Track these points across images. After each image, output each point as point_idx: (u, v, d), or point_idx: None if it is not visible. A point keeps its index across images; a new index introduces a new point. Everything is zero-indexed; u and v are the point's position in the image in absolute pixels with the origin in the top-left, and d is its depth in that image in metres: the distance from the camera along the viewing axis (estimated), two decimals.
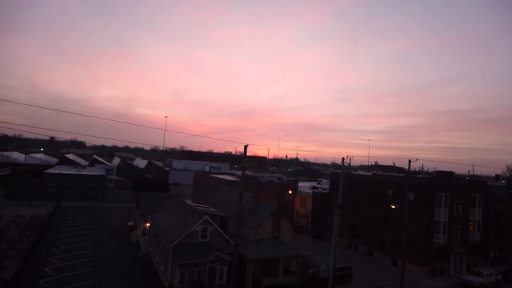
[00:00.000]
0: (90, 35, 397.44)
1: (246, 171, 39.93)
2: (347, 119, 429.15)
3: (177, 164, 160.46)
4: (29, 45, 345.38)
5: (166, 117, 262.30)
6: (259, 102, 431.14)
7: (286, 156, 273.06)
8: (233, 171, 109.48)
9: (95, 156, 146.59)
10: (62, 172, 78.71)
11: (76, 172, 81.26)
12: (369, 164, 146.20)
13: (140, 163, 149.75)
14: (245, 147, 28.16)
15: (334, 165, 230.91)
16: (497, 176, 74.92)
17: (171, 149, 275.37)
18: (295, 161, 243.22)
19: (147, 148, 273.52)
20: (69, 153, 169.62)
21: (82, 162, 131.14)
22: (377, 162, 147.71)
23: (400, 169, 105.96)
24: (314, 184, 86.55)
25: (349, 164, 47.83)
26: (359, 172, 77.12)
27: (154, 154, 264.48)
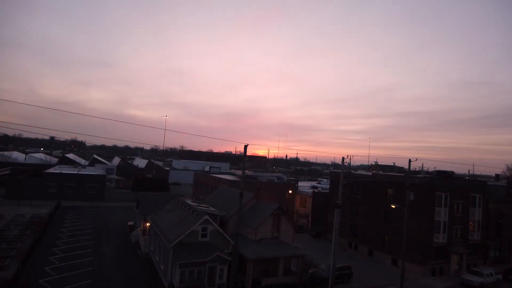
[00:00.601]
0: (77, 43, 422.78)
1: (246, 171, 39.92)
2: (323, 120, 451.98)
3: (177, 163, 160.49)
4: (24, 53, 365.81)
5: (166, 117, 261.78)
6: (237, 104, 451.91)
7: (286, 156, 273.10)
8: (233, 171, 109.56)
9: (95, 156, 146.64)
10: (62, 171, 78.70)
11: (76, 172, 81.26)
12: (369, 164, 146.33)
13: (140, 162, 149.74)
14: (245, 146, 28.16)
15: (334, 165, 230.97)
16: (497, 176, 74.92)
17: (171, 148, 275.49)
18: (295, 161, 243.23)
19: (147, 148, 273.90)
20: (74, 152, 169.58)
21: (82, 161, 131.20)
22: (377, 162, 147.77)
23: (400, 169, 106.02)
24: (314, 184, 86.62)
25: (349, 164, 47.81)
26: (359, 172, 77.14)
27: (154, 153, 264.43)
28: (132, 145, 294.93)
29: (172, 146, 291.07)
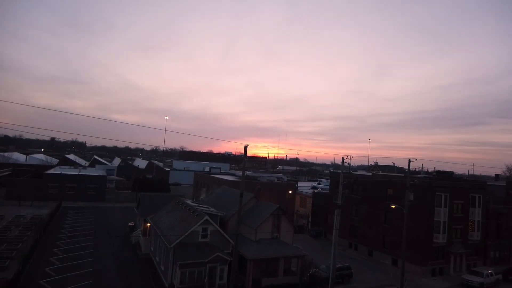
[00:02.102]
0: (51, 64, 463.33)
1: (246, 171, 40.01)
2: (278, 123, 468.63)
3: (178, 164, 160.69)
4: (15, 74, 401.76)
5: (166, 117, 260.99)
6: (195, 110, 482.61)
7: (286, 156, 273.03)
8: (233, 171, 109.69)
9: (95, 157, 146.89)
10: (63, 172, 78.84)
11: (76, 173, 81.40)
12: (369, 164, 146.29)
13: (141, 163, 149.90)
14: (245, 147, 28.24)
15: (334, 165, 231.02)
16: (496, 176, 75.03)
17: (171, 149, 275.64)
18: (294, 161, 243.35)
19: (148, 148, 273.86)
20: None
21: (83, 162, 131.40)
22: (377, 162, 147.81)
23: (400, 169, 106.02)
24: (314, 184, 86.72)
25: (349, 164, 47.90)
26: (359, 172, 77.22)
27: (154, 154, 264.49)
28: (132, 145, 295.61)
29: (172, 146, 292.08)
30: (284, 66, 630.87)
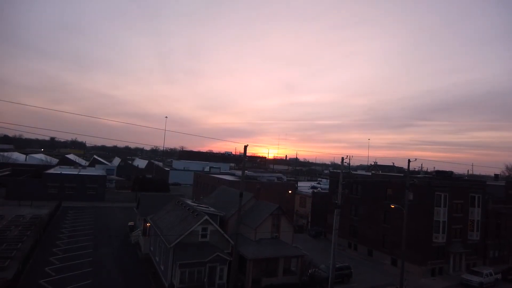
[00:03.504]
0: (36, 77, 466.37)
1: (246, 171, 40.04)
2: (245, 125, 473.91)
3: (177, 164, 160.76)
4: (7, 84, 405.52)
5: (166, 117, 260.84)
6: (165, 113, 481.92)
7: (286, 156, 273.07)
8: (233, 171, 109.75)
9: (95, 156, 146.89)
10: (63, 172, 78.84)
11: (76, 173, 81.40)
12: (369, 164, 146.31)
13: (140, 163, 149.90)
14: (245, 147, 28.29)
15: (333, 165, 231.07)
16: (496, 176, 75.08)
17: (171, 149, 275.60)
18: (294, 161, 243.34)
19: (147, 148, 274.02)
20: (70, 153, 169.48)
21: (83, 162, 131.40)
22: (377, 162, 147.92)
23: (400, 169, 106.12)
24: (313, 184, 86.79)
25: (349, 164, 47.99)
26: (359, 172, 77.27)
27: (154, 154, 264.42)
28: (132, 145, 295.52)
29: (172, 146, 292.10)
30: (214, 78, 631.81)
